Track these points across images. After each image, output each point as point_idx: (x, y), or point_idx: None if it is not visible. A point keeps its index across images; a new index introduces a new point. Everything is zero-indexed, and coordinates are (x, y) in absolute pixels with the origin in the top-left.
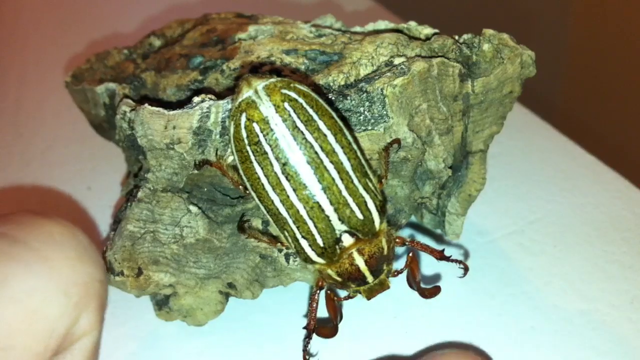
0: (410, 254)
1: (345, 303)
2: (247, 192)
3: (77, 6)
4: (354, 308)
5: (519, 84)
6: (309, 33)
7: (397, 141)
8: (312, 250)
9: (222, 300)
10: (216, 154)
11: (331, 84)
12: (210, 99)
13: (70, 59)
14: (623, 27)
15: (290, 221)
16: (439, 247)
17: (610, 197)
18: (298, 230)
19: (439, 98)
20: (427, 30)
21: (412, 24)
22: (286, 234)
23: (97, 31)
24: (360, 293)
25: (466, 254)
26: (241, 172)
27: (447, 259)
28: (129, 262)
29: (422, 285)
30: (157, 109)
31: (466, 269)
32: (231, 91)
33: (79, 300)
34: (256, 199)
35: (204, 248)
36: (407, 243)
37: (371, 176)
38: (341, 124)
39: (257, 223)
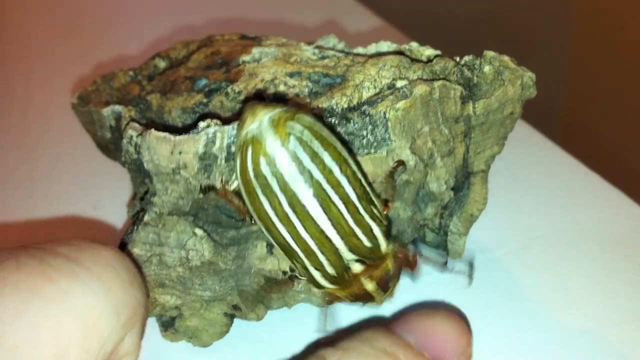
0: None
1: (345, 308)
2: (254, 222)
3: (83, 28)
4: (353, 317)
5: (519, 105)
6: (312, 55)
7: (402, 163)
8: (324, 278)
9: (227, 322)
10: (221, 180)
11: (334, 107)
12: (216, 124)
13: (77, 80)
14: (623, 40)
15: (299, 252)
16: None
17: (612, 215)
18: (308, 260)
19: (440, 120)
20: (428, 52)
21: (414, 45)
22: (296, 264)
23: (103, 53)
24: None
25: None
26: (248, 203)
27: (450, 271)
28: None
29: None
30: (164, 134)
31: (470, 278)
32: (237, 115)
33: (126, 321)
34: (264, 231)
35: (209, 270)
36: (410, 258)
37: (376, 202)
38: (345, 153)
39: (261, 246)
